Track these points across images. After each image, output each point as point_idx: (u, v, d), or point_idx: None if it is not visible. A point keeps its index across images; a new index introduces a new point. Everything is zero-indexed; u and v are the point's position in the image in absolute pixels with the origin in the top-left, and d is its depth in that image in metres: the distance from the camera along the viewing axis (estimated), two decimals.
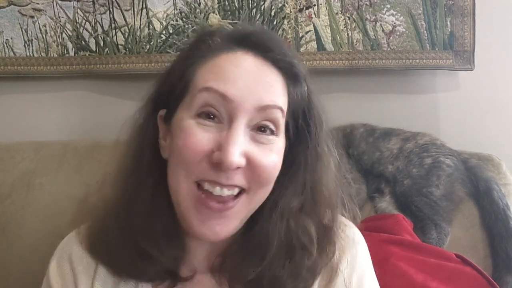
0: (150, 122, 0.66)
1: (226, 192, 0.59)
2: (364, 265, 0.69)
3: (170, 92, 0.64)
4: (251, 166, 0.59)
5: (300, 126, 0.64)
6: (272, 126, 0.61)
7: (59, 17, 1.24)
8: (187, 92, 0.62)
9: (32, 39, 1.26)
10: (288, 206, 0.64)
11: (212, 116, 0.59)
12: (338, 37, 1.21)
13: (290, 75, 0.63)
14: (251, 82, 0.59)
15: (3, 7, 1.25)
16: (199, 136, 0.58)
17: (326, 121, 0.67)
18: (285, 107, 0.62)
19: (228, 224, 0.60)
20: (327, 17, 1.20)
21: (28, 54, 1.26)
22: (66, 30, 1.25)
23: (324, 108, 0.67)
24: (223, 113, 0.59)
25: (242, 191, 0.60)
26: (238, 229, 0.62)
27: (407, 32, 1.19)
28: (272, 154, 0.60)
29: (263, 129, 0.60)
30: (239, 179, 0.59)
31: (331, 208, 0.68)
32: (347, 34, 1.21)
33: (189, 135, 0.58)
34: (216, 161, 0.57)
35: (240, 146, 0.57)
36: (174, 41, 1.22)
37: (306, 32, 1.21)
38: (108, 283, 0.67)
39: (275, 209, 0.63)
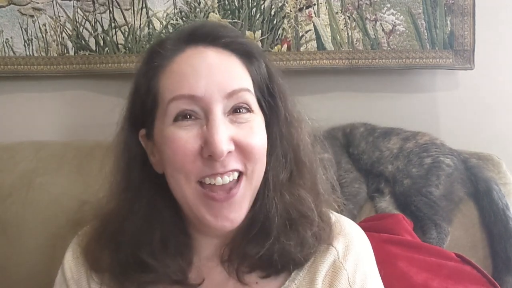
0: (132, 143, 0.67)
1: (227, 179, 0.61)
2: (368, 264, 0.70)
3: (142, 109, 0.66)
4: (240, 147, 0.61)
5: (268, 100, 0.67)
6: (245, 105, 0.63)
7: (59, 16, 1.24)
8: (158, 104, 0.64)
9: (32, 39, 1.26)
10: (278, 179, 0.66)
11: (188, 116, 0.61)
12: (338, 37, 1.21)
13: (245, 55, 0.65)
14: (211, 73, 0.61)
15: (3, 6, 1.24)
16: (184, 138, 0.60)
17: (288, 89, 0.70)
18: (250, 86, 0.64)
19: (238, 209, 0.63)
20: (327, 16, 1.20)
21: (28, 53, 1.26)
22: (66, 30, 1.25)
23: (283, 77, 0.70)
24: (197, 111, 0.61)
25: (240, 174, 0.63)
26: (247, 212, 0.64)
27: (407, 31, 1.19)
28: (254, 130, 0.63)
29: (239, 110, 0.63)
30: (233, 163, 0.61)
31: (313, 173, 0.71)
32: (347, 34, 1.20)
33: (174, 140, 0.61)
34: (207, 155, 0.59)
35: (224, 133, 0.59)
36: None
37: (306, 32, 1.21)
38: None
39: (267, 184, 0.66)
